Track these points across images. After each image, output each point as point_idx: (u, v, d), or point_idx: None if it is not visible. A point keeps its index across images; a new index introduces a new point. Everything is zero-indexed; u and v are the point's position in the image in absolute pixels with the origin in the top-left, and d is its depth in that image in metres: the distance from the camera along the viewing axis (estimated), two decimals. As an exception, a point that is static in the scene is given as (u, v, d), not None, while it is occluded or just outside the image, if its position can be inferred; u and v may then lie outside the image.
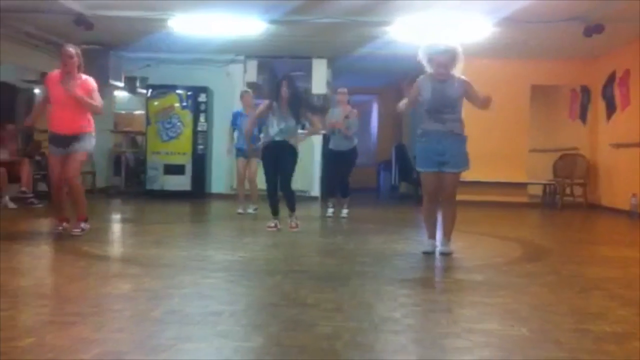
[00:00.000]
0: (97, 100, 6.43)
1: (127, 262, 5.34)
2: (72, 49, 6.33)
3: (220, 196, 12.25)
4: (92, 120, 6.48)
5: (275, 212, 7.36)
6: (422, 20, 9.37)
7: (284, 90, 7.19)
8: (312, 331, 3.16)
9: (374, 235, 7.54)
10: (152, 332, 3.10)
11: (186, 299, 3.83)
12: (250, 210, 9.05)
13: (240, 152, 9.17)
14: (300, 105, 7.39)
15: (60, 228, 6.51)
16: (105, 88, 12.94)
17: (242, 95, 9.57)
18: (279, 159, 7.24)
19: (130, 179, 13.43)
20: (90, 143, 6.48)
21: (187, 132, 12.27)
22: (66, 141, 6.31)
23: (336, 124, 9.06)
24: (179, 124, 12.26)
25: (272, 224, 7.27)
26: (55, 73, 6.42)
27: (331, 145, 9.30)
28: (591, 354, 2.92)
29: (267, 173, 7.33)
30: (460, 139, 5.74)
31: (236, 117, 9.33)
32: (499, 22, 9.32)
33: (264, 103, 7.44)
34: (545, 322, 3.47)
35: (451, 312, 3.71)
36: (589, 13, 8.85)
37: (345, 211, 9.24)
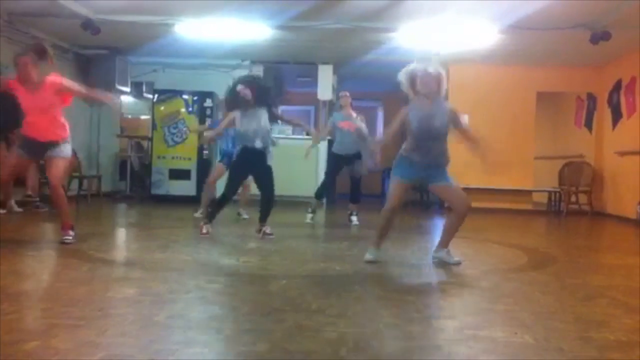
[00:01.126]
0: (77, 87, 6.29)
1: (131, 266, 5.35)
2: (25, 57, 5.99)
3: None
4: (67, 127, 6.18)
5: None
6: (428, 27, 9.39)
7: (243, 92, 6.96)
8: (316, 337, 3.16)
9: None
10: (156, 337, 3.11)
11: (190, 304, 3.83)
12: (245, 216, 9.07)
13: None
14: (270, 102, 7.24)
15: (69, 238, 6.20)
16: (112, 93, 13.02)
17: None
18: (260, 168, 7.09)
19: (135, 183, 13.45)
20: (68, 150, 6.20)
21: (193, 137, 12.28)
22: (42, 149, 6.07)
23: (350, 125, 8.90)
24: (184, 129, 12.28)
25: (206, 231, 7.08)
26: (13, 81, 6.06)
27: (336, 149, 9.06)
28: (595, 362, 2.92)
29: (235, 179, 7.24)
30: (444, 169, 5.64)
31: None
32: (504, 29, 9.33)
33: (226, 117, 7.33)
34: (549, 329, 3.46)
35: (455, 319, 3.71)
36: (596, 20, 8.85)
37: (354, 218, 9.05)
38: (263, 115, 7.01)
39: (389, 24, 9.42)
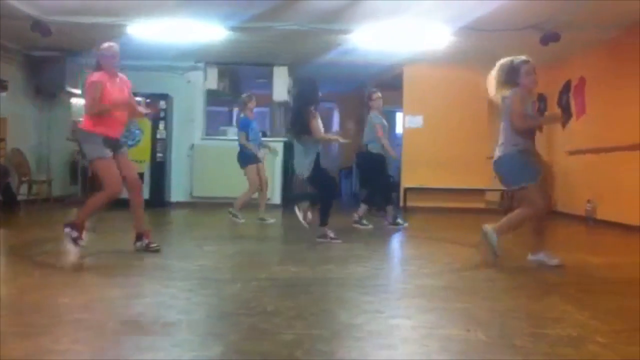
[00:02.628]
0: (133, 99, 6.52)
1: (84, 272, 5.26)
2: (116, 46, 6.14)
3: (180, 205, 12.15)
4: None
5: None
6: (384, 28, 9.45)
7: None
8: (272, 339, 3.15)
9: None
10: (111, 343, 3.07)
11: (145, 309, 3.78)
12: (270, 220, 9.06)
13: (252, 158, 9.07)
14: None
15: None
16: (62, 95, 12.80)
17: (248, 101, 9.44)
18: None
19: (87, 187, 13.21)
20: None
21: (146, 139, 12.12)
22: (116, 146, 6.00)
23: None
24: (137, 131, 12.10)
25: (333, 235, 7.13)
26: (102, 74, 6.12)
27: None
28: (547, 357, 2.97)
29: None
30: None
31: (247, 124, 9.24)
32: (457, 31, 9.45)
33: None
34: (503, 326, 3.52)
35: (411, 318, 3.74)
36: (545, 22, 9.02)
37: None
38: None
39: (344, 25, 9.46)
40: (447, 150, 12.32)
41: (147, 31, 9.81)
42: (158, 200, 12.03)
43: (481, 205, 12.75)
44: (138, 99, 6.94)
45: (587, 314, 3.87)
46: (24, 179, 10.86)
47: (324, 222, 7.03)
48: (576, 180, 11.35)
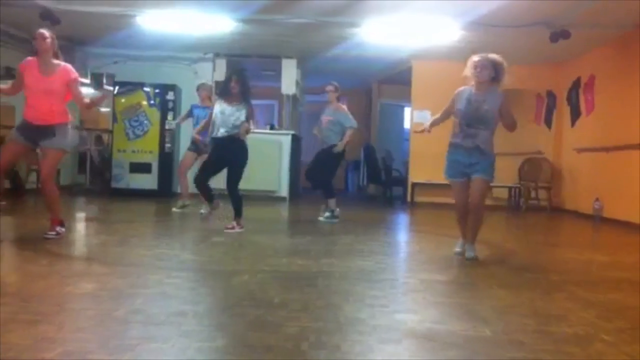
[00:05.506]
0: (80, 95, 6.13)
1: (90, 261, 5.27)
2: (45, 31, 5.99)
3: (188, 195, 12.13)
4: (68, 115, 6.05)
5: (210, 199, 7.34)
6: (392, 23, 9.43)
7: (233, 85, 7.04)
8: (278, 331, 3.16)
9: (342, 235, 7.55)
10: (115, 332, 3.07)
11: (150, 299, 3.79)
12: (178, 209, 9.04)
13: (192, 145, 9.04)
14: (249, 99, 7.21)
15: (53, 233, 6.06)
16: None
17: (199, 88, 9.45)
18: (228, 155, 7.08)
19: (95, 177, 13.26)
20: (67, 138, 6.03)
21: (154, 130, 12.15)
22: (38, 133, 5.89)
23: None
24: (146, 122, 12.14)
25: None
26: (31, 59, 5.95)
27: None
28: (553, 354, 2.96)
29: (208, 167, 7.23)
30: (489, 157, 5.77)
31: (192, 109, 9.27)
32: (466, 26, 9.42)
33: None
34: (508, 323, 3.51)
35: (416, 313, 3.74)
36: (555, 18, 8.98)
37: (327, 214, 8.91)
38: (243, 109, 7.05)
39: (353, 19, 9.44)
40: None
41: (155, 22, 9.81)
42: (166, 190, 12.08)
43: (488, 202, 12.68)
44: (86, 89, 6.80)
45: (592, 312, 3.86)
46: (32, 167, 10.87)
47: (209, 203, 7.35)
48: (584, 178, 11.32)
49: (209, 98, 9.18)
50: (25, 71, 5.93)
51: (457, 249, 5.88)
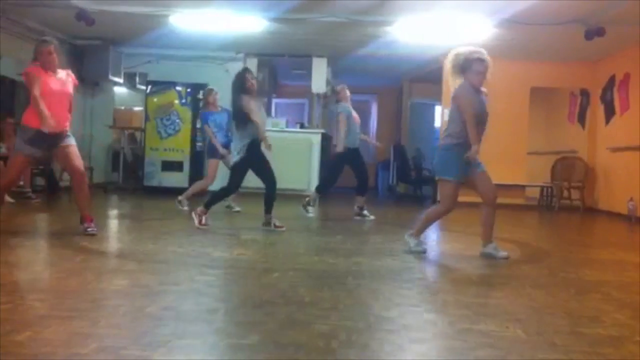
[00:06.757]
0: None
1: (124, 258, 5.34)
2: (49, 45, 5.98)
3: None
4: None
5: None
6: (424, 21, 9.39)
7: (252, 83, 7.02)
8: (308, 329, 3.16)
9: (372, 234, 7.54)
10: (148, 328, 3.11)
11: (182, 296, 3.83)
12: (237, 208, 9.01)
13: (215, 153, 8.98)
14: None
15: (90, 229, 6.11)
16: (104, 83, 12.98)
17: (209, 93, 9.23)
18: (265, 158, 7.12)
19: (128, 175, 13.41)
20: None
21: (186, 129, 12.26)
22: (55, 140, 5.99)
23: (357, 117, 8.91)
24: (177, 120, 12.25)
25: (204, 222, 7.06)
26: (38, 67, 5.92)
27: (350, 143, 8.76)
28: (587, 355, 2.93)
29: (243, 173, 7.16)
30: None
31: (205, 117, 9.11)
32: (499, 23, 9.34)
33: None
34: (541, 324, 3.47)
35: (447, 313, 3.72)
36: (590, 16, 8.87)
37: (367, 212, 8.84)
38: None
39: (384, 17, 9.42)
40: (486, 144, 12.09)
41: (188, 21, 9.91)
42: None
43: (521, 202, 12.60)
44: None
45: (627, 313, 3.80)
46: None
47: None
48: (618, 178, 11.15)
49: (215, 102, 9.15)
50: (42, 76, 5.90)
51: (491, 251, 5.74)
